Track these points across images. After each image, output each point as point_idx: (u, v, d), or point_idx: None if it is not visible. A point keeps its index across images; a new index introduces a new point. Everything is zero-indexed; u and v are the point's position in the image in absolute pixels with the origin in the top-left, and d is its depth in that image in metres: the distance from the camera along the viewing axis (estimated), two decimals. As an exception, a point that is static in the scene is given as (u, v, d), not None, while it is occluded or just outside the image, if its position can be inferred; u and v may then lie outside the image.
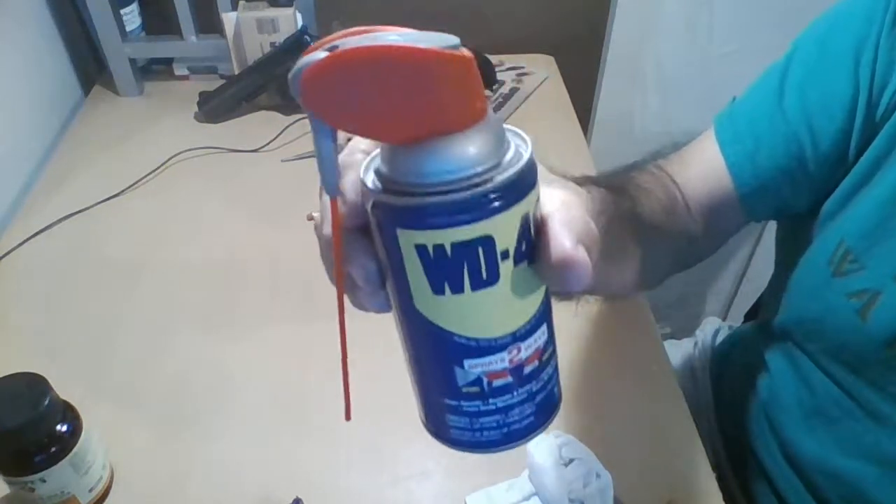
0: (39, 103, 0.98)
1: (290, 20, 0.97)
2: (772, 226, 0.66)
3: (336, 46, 0.24)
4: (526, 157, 0.26)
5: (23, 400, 0.49)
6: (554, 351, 0.31)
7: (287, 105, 1.00)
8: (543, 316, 0.29)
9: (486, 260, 0.26)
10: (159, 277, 0.77)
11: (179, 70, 1.08)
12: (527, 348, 0.29)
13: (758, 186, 0.57)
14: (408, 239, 0.26)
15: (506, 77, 1.08)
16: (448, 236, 0.25)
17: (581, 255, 0.27)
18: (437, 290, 0.27)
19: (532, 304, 0.28)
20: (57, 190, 0.88)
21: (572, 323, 0.69)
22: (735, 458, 0.71)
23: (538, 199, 0.28)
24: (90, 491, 0.54)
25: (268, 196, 0.88)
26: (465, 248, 0.25)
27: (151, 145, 0.94)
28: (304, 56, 0.24)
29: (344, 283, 0.30)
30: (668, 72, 1.21)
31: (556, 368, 0.32)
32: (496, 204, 0.25)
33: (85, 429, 0.53)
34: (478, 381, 0.29)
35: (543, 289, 0.29)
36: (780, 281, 0.62)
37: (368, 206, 0.27)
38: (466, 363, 0.28)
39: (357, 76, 0.23)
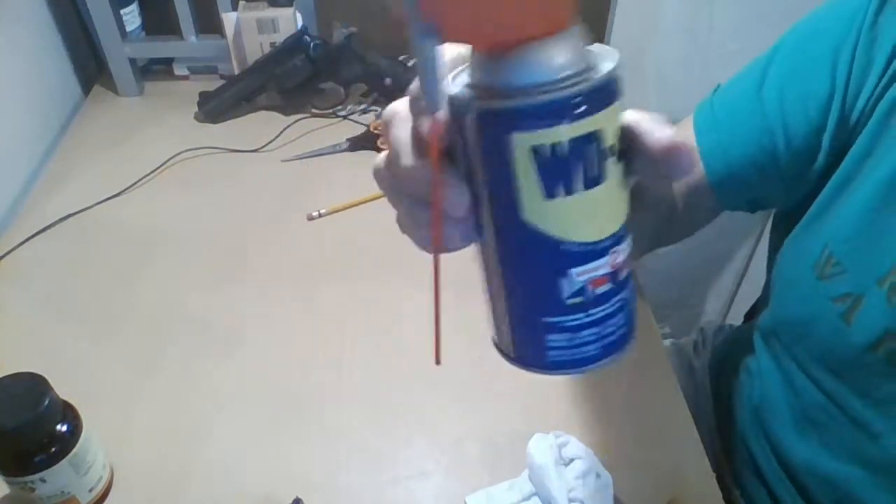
0: (39, 103, 0.98)
1: (290, 20, 0.97)
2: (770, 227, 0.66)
3: None
4: (616, 59, 0.27)
5: (23, 400, 0.49)
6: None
7: (287, 105, 1.00)
8: (629, 221, 0.30)
9: (598, 155, 0.27)
10: (159, 277, 0.77)
11: (179, 70, 1.08)
12: (623, 252, 0.29)
13: (728, 176, 0.58)
14: (524, 142, 0.26)
15: (506, 77, 1.08)
16: (563, 133, 0.26)
17: (682, 140, 0.28)
18: (550, 193, 0.27)
19: (624, 205, 0.29)
20: (57, 190, 0.88)
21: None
22: (733, 458, 0.72)
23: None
24: (90, 491, 0.54)
25: (268, 196, 0.88)
26: (581, 144, 0.26)
27: (151, 145, 0.94)
28: None
29: (438, 214, 0.28)
30: (668, 72, 1.21)
31: (635, 284, 0.32)
32: (603, 99, 0.26)
33: (85, 429, 0.53)
34: (582, 291, 0.29)
35: (628, 193, 0.30)
36: (770, 285, 0.62)
37: (470, 118, 0.27)
38: (573, 272, 0.28)
39: None
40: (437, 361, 0.32)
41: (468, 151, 0.28)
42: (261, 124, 0.98)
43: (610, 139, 0.27)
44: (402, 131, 0.29)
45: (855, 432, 0.56)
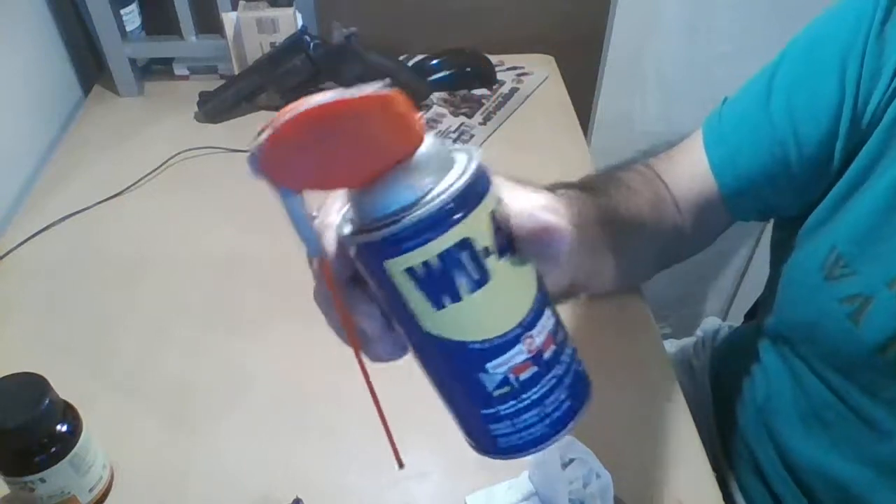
0: (39, 103, 0.98)
1: (290, 20, 0.97)
2: (771, 226, 0.66)
3: (277, 123, 0.26)
4: (475, 162, 0.29)
5: (23, 400, 0.49)
6: (566, 334, 0.32)
7: (287, 105, 1.00)
8: (544, 301, 0.31)
9: (473, 261, 0.28)
10: (159, 277, 0.77)
11: (179, 70, 1.08)
12: (539, 334, 0.30)
13: (740, 188, 0.58)
14: (396, 266, 0.28)
15: (506, 77, 1.08)
16: (430, 250, 0.27)
17: (552, 217, 0.29)
18: (438, 305, 0.28)
19: (528, 292, 0.30)
20: (57, 190, 0.88)
21: (572, 323, 0.69)
22: (733, 458, 0.72)
23: (500, 199, 0.30)
24: (90, 491, 0.54)
25: (268, 196, 0.87)
26: (450, 256, 0.27)
27: (151, 145, 0.94)
28: (254, 141, 0.27)
29: (354, 337, 0.31)
30: (667, 72, 1.21)
31: (574, 350, 0.33)
32: (462, 207, 0.27)
33: (85, 429, 0.53)
34: (506, 381, 0.30)
35: (535, 276, 0.31)
36: (774, 284, 0.62)
37: (353, 254, 0.29)
38: (489, 366, 0.30)
39: (301, 141, 0.26)
40: (400, 466, 0.35)
41: (366, 279, 0.30)
42: (261, 124, 0.98)
43: (482, 241, 0.28)
44: (316, 266, 0.31)
45: (864, 431, 0.56)
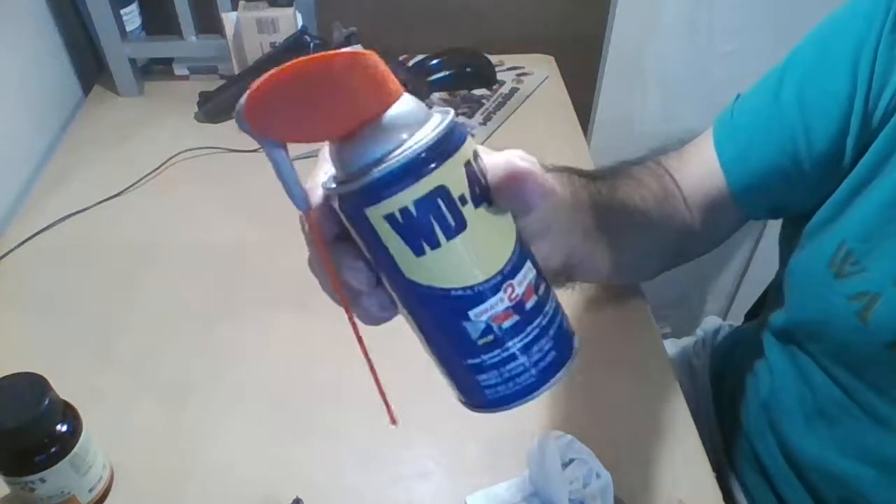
0: (39, 103, 0.98)
1: (290, 20, 0.97)
2: (772, 225, 0.66)
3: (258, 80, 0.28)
4: (448, 118, 0.30)
5: (23, 400, 0.49)
6: (549, 287, 0.33)
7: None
8: (524, 253, 0.32)
9: (448, 208, 0.29)
10: (159, 277, 0.77)
11: (179, 70, 1.08)
12: (519, 284, 0.31)
13: (751, 185, 0.58)
14: (377, 214, 0.29)
15: (506, 77, 1.08)
16: (407, 196, 0.28)
17: (525, 164, 0.30)
18: (418, 251, 0.29)
19: (507, 241, 0.31)
20: (57, 190, 0.88)
21: (572, 323, 0.69)
22: (735, 457, 0.71)
23: (476, 154, 0.31)
24: (90, 491, 0.54)
25: (268, 196, 0.87)
26: (426, 202, 0.29)
27: (151, 145, 0.94)
28: (241, 98, 0.29)
29: (344, 296, 0.32)
30: (668, 72, 1.21)
31: (559, 305, 0.34)
32: (437, 156, 0.29)
33: (85, 429, 0.53)
34: (489, 329, 0.31)
35: (514, 228, 0.32)
36: (782, 281, 0.62)
37: (337, 206, 0.30)
38: (471, 314, 0.30)
39: (284, 93, 0.28)
40: (393, 422, 0.36)
41: (351, 233, 0.31)
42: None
43: (457, 189, 0.29)
44: (304, 226, 0.32)
45: (871, 428, 0.56)
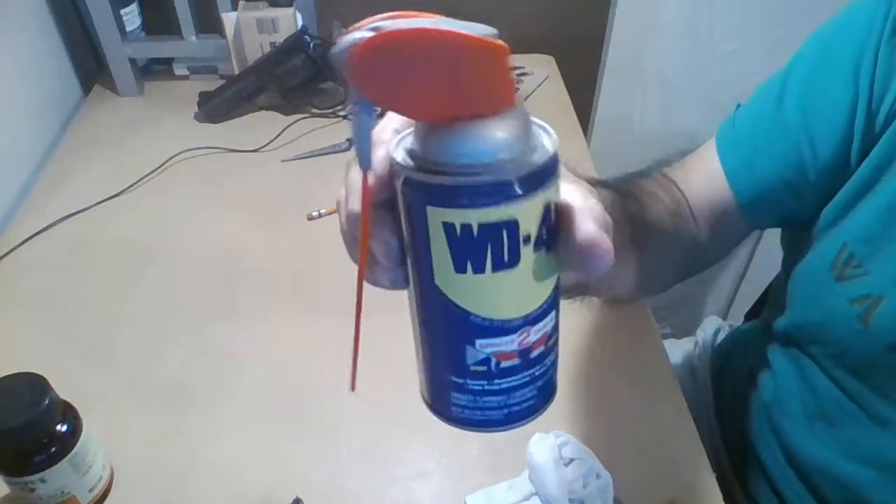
0: (39, 103, 0.98)
1: (290, 20, 0.97)
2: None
3: (379, 27, 0.24)
4: (552, 147, 0.28)
5: (23, 400, 0.49)
6: (557, 339, 0.32)
7: (287, 105, 1.00)
8: (553, 303, 0.31)
9: (509, 243, 0.27)
10: (159, 277, 0.77)
11: (179, 70, 1.08)
12: (536, 332, 0.30)
13: (757, 195, 0.57)
14: (436, 216, 0.27)
15: (506, 77, 1.08)
16: (476, 216, 0.26)
17: (604, 237, 0.28)
18: (460, 268, 0.28)
19: (546, 290, 0.30)
20: (57, 190, 0.88)
21: (572, 323, 0.69)
22: (736, 457, 0.71)
23: (558, 190, 0.29)
24: (90, 491, 0.54)
25: (268, 196, 0.88)
26: (491, 230, 0.27)
27: (151, 145, 0.94)
28: (349, 34, 0.24)
29: (364, 257, 0.30)
30: (668, 72, 1.21)
31: (557, 356, 0.33)
32: (523, 189, 0.26)
33: (85, 429, 0.53)
34: (486, 361, 0.30)
35: (556, 277, 0.30)
36: (783, 284, 0.62)
37: (398, 183, 0.28)
38: (478, 342, 0.30)
39: (403, 56, 0.24)
40: (353, 387, 0.34)
41: (399, 210, 0.29)
42: (261, 124, 0.98)
43: (527, 228, 0.27)
44: (354, 175, 0.30)
45: (873, 431, 0.56)
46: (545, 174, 0.27)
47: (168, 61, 1.08)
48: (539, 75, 1.09)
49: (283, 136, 0.96)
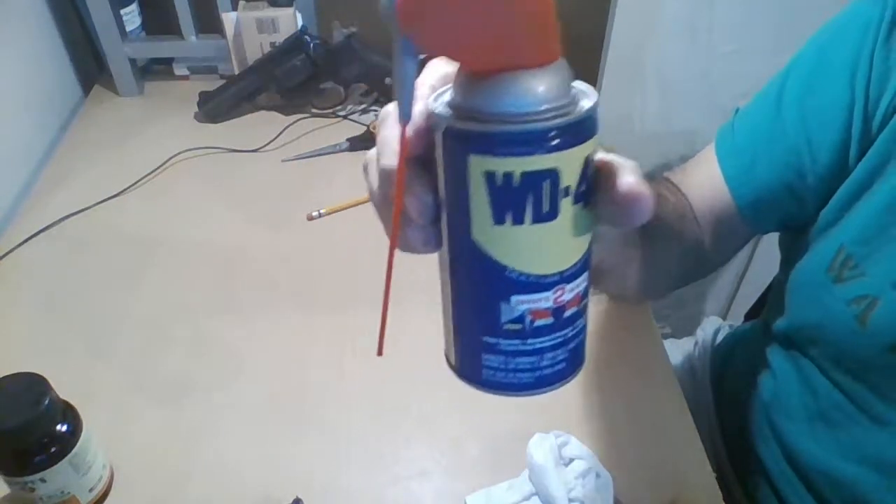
0: (39, 103, 0.98)
1: (290, 20, 0.97)
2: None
3: None
4: (592, 101, 0.28)
5: (23, 400, 0.49)
6: (588, 302, 0.32)
7: (287, 105, 1.00)
8: (587, 263, 0.31)
9: (550, 193, 0.27)
10: (159, 277, 0.77)
11: (179, 70, 1.08)
12: (570, 290, 0.30)
13: (757, 199, 0.58)
14: (478, 165, 0.27)
15: (506, 77, 1.08)
16: (519, 165, 0.27)
17: (646, 186, 0.28)
18: (499, 219, 0.28)
19: (581, 246, 0.30)
20: (57, 190, 0.88)
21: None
22: (736, 457, 0.71)
23: (597, 147, 0.29)
24: (90, 491, 0.54)
25: (268, 196, 0.88)
26: (533, 179, 0.27)
27: (151, 145, 0.94)
28: None
29: (398, 216, 0.30)
30: (668, 72, 1.21)
31: (586, 322, 0.33)
32: (566, 139, 0.27)
33: (85, 429, 0.53)
34: (521, 319, 0.30)
35: (590, 236, 0.30)
36: (782, 286, 0.62)
37: (439, 134, 0.28)
38: (513, 299, 0.29)
39: (452, 1, 0.24)
40: (380, 353, 0.33)
41: (437, 164, 0.29)
42: (261, 124, 0.98)
43: (567, 179, 0.27)
44: (389, 132, 0.30)
45: (873, 432, 0.56)
46: (586, 128, 0.28)
47: (168, 61, 1.08)
48: (539, 75, 1.08)
49: (283, 136, 0.96)
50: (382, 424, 0.62)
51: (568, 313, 0.30)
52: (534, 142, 0.26)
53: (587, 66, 1.21)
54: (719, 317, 0.89)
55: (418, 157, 0.29)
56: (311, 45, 0.95)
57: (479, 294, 0.30)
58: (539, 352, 0.31)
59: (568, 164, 0.27)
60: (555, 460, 0.54)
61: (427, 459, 0.59)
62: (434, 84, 0.30)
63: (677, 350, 0.87)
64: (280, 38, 0.97)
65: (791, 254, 0.60)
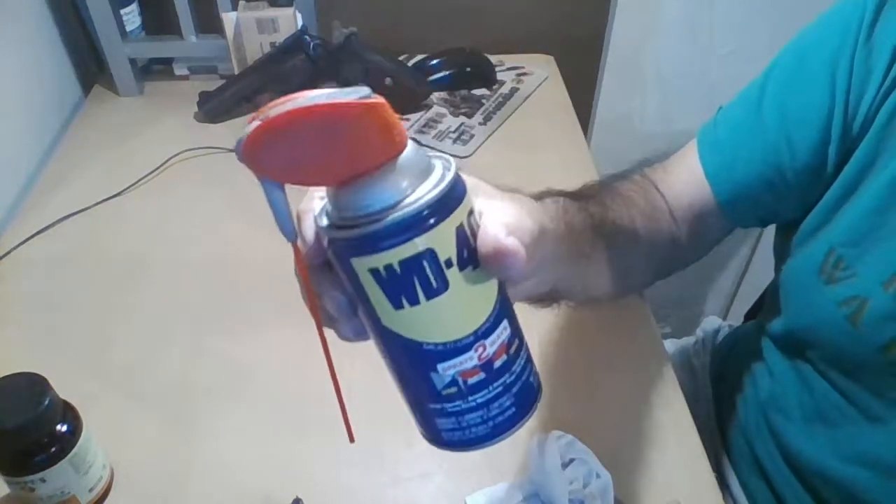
0: (39, 103, 0.98)
1: (290, 20, 0.97)
2: (772, 227, 0.66)
3: (267, 116, 0.27)
4: (450, 176, 0.30)
5: (23, 400, 0.49)
6: (521, 344, 0.34)
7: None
8: (502, 313, 0.32)
9: (433, 270, 0.29)
10: (159, 277, 0.77)
11: (179, 70, 1.08)
12: (492, 344, 0.31)
13: (736, 195, 0.59)
14: (361, 265, 0.29)
15: (506, 77, 1.08)
16: (393, 256, 0.29)
17: (511, 242, 0.30)
18: (397, 305, 0.30)
19: (486, 303, 0.31)
20: (57, 190, 0.88)
21: (572, 323, 0.69)
22: (735, 457, 0.72)
23: (471, 211, 0.31)
24: (90, 491, 0.54)
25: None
26: (411, 264, 0.29)
27: (151, 145, 0.94)
28: (246, 126, 0.27)
29: (321, 317, 0.33)
30: (668, 72, 1.21)
31: (528, 360, 0.34)
32: (429, 220, 0.29)
33: (85, 429, 0.53)
34: (454, 382, 0.31)
35: (496, 289, 0.32)
36: (776, 288, 0.63)
37: (325, 244, 0.31)
38: (440, 367, 0.31)
39: (287, 136, 0.27)
40: (351, 440, 0.37)
41: (335, 268, 0.31)
42: (251, 114, 0.98)
43: (445, 253, 0.29)
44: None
45: (870, 432, 0.56)
46: (447, 201, 0.29)
47: (168, 61, 1.08)
48: (539, 75, 1.09)
49: (283, 136, 0.96)
50: (383, 425, 0.62)
51: (498, 364, 0.32)
52: (400, 232, 0.28)
53: (587, 66, 1.21)
54: (719, 317, 0.89)
55: (323, 262, 0.32)
56: (311, 45, 0.95)
57: (410, 370, 0.32)
58: (483, 405, 0.32)
59: (440, 240, 0.29)
60: (555, 460, 0.54)
61: (427, 460, 0.59)
62: (320, 195, 0.33)
63: (677, 349, 0.87)
64: (280, 38, 0.97)
65: (783, 257, 0.60)
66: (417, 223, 0.28)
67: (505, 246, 0.30)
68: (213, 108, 0.99)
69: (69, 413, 0.52)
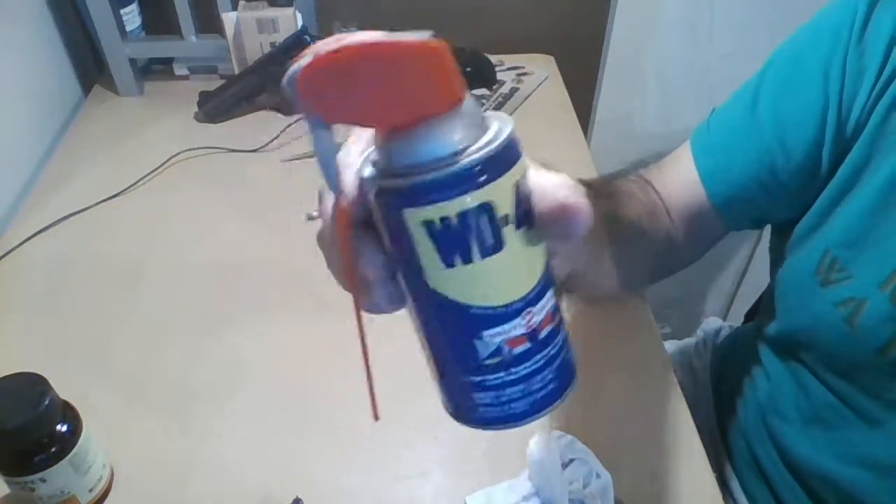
0: (39, 103, 0.98)
1: (290, 20, 0.97)
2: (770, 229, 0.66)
3: (319, 52, 0.26)
4: (508, 131, 0.29)
5: (23, 400, 0.49)
6: (562, 317, 0.32)
7: (287, 105, 1.00)
8: (549, 281, 0.31)
9: (490, 226, 0.28)
10: (159, 277, 0.77)
11: (179, 70, 1.08)
12: (540, 311, 0.30)
13: (731, 197, 0.59)
14: (414, 217, 0.28)
15: (506, 77, 1.08)
16: (452, 207, 0.27)
17: (577, 199, 0.29)
18: (449, 262, 0.28)
19: (537, 267, 0.30)
20: (57, 190, 0.88)
21: (573, 323, 0.69)
22: (735, 458, 0.72)
23: (525, 169, 0.30)
24: (90, 491, 0.54)
25: (268, 196, 0.88)
26: (469, 217, 0.27)
27: (151, 145, 0.94)
28: (294, 64, 0.26)
29: (356, 283, 0.31)
30: (668, 72, 1.21)
31: (567, 336, 0.33)
32: (491, 172, 0.27)
33: (85, 429, 0.53)
34: (499, 351, 0.30)
35: (545, 254, 0.31)
36: (772, 290, 0.63)
37: (372, 196, 0.29)
38: (486, 334, 0.30)
39: (346, 72, 0.26)
40: (376, 417, 0.35)
41: (378, 225, 0.30)
42: (261, 124, 0.98)
43: (504, 208, 0.28)
44: (327, 205, 0.30)
45: (867, 433, 0.56)
46: (508, 155, 0.28)
47: (168, 61, 1.08)
48: (539, 75, 1.09)
49: (283, 136, 0.96)
50: (383, 424, 0.62)
51: (543, 334, 0.31)
52: (460, 182, 0.27)
53: (587, 66, 1.21)
54: (719, 317, 0.89)
55: (361, 220, 0.30)
56: (311, 45, 0.95)
57: (452, 338, 0.31)
58: (526, 378, 0.31)
59: (499, 194, 0.28)
60: (555, 460, 0.53)
61: (427, 459, 0.59)
62: (361, 148, 0.31)
63: (677, 350, 0.87)
64: (280, 38, 0.97)
65: (778, 260, 0.61)
66: (478, 174, 0.27)
67: (572, 202, 0.29)
68: (213, 108, 0.99)
69: (69, 413, 0.52)
